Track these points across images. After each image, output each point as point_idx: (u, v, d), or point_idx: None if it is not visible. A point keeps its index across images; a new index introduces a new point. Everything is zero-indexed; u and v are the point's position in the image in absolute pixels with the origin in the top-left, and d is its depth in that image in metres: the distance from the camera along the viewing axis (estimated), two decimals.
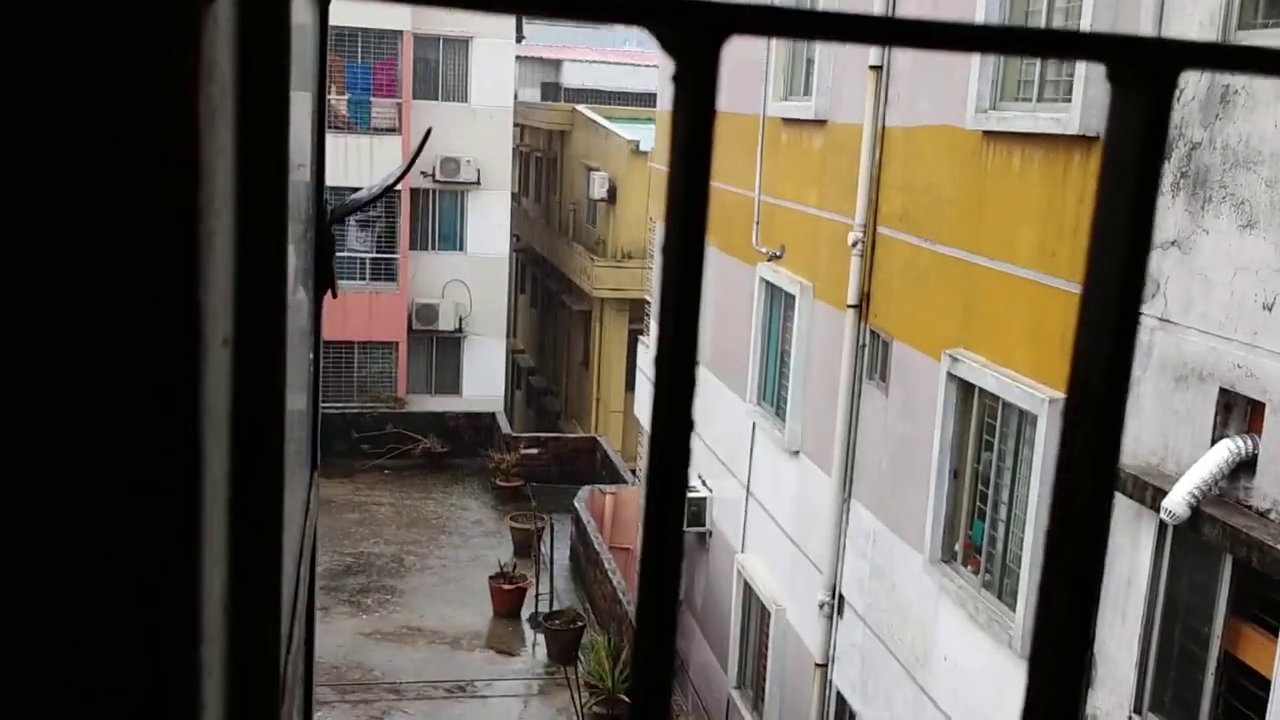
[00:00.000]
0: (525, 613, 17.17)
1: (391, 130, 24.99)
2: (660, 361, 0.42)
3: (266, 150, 0.58)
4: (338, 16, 26.76)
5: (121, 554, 0.46)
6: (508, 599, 17.13)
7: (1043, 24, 7.97)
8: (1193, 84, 6.29)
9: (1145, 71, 0.42)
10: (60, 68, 0.40)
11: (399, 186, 24.79)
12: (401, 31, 24.98)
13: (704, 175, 0.41)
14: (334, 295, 1.58)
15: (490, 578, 17.39)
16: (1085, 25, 7.19)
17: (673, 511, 0.46)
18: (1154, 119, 0.42)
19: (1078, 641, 0.48)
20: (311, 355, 1.50)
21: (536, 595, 17.13)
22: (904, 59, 9.78)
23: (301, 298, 1.32)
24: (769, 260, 12.36)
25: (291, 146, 1.24)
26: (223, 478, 0.53)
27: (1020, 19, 8.26)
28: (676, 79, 0.40)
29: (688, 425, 0.42)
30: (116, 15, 0.40)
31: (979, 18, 8.39)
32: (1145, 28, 6.63)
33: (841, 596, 10.73)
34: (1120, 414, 0.44)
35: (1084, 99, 7.18)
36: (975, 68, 8.45)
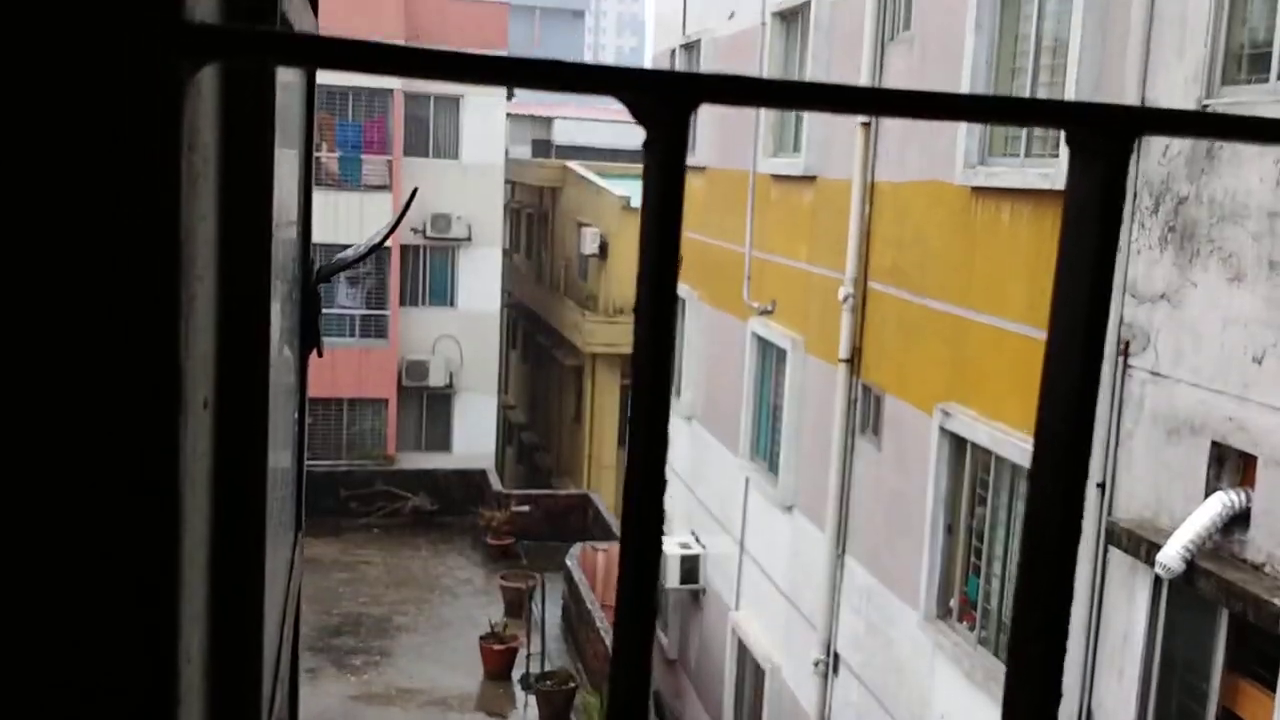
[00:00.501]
0: (516, 674, 16.96)
1: (382, 187, 25.14)
2: (634, 427, 0.42)
3: (250, 215, 0.58)
4: (328, 76, 27.04)
5: (96, 619, 0.46)
6: (499, 660, 16.93)
7: (1029, 79, 8.09)
8: (1177, 139, 6.38)
9: (1102, 137, 0.43)
10: (46, 136, 0.41)
11: (388, 243, 24.89)
12: (392, 90, 25.24)
13: (674, 239, 0.41)
14: (319, 354, 1.58)
15: (481, 638, 17.20)
16: (1070, 80, 7.30)
17: (647, 575, 0.46)
18: (1111, 183, 0.43)
19: (1054, 670, 0.48)
20: (296, 414, 1.50)
21: (528, 655, 16.93)
22: None
23: (287, 356, 1.32)
24: (760, 315, 12.41)
25: (278, 205, 1.26)
26: (203, 540, 0.53)
27: (1007, 75, 8.39)
28: (646, 146, 0.41)
29: (660, 484, 0.42)
30: (100, 87, 0.41)
31: (965, 73, 8.52)
32: (1130, 83, 6.73)
33: (837, 654, 10.64)
34: (1081, 483, 0.44)
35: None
36: (963, 123, 8.56)
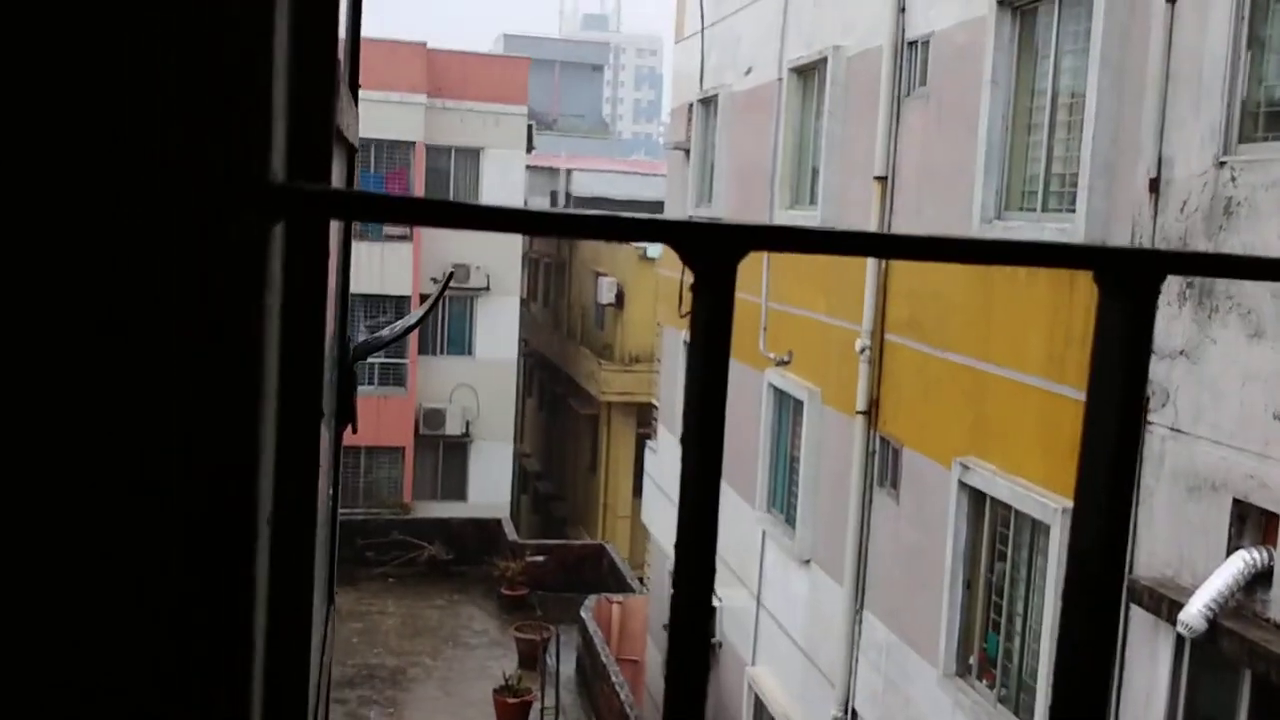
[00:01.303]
0: None
1: (403, 238, 25.36)
2: (680, 553, 0.44)
3: (304, 344, 0.61)
4: None
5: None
6: (513, 713, 16.78)
7: (1045, 134, 8.13)
8: (1195, 194, 6.39)
9: (1128, 279, 0.45)
10: (155, 286, 0.44)
11: (408, 292, 25.07)
12: (414, 142, 25.53)
13: (722, 377, 0.44)
14: (354, 431, 1.61)
15: (494, 690, 17.06)
16: (1087, 136, 7.34)
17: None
18: (1138, 322, 0.45)
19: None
20: (331, 490, 1.52)
21: (542, 709, 16.78)
22: (909, 168, 9.96)
23: (324, 435, 1.35)
24: (777, 366, 12.41)
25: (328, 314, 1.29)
26: (259, 664, 0.55)
27: (1023, 131, 8.44)
28: (695, 290, 0.44)
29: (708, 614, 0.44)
30: (192, 242, 0.44)
31: (981, 130, 8.57)
32: (1147, 140, 6.76)
33: (854, 711, 10.51)
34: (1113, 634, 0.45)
35: (1088, 209, 7.29)
36: (980, 177, 8.60)
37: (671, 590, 0.46)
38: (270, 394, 0.52)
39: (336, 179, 1.25)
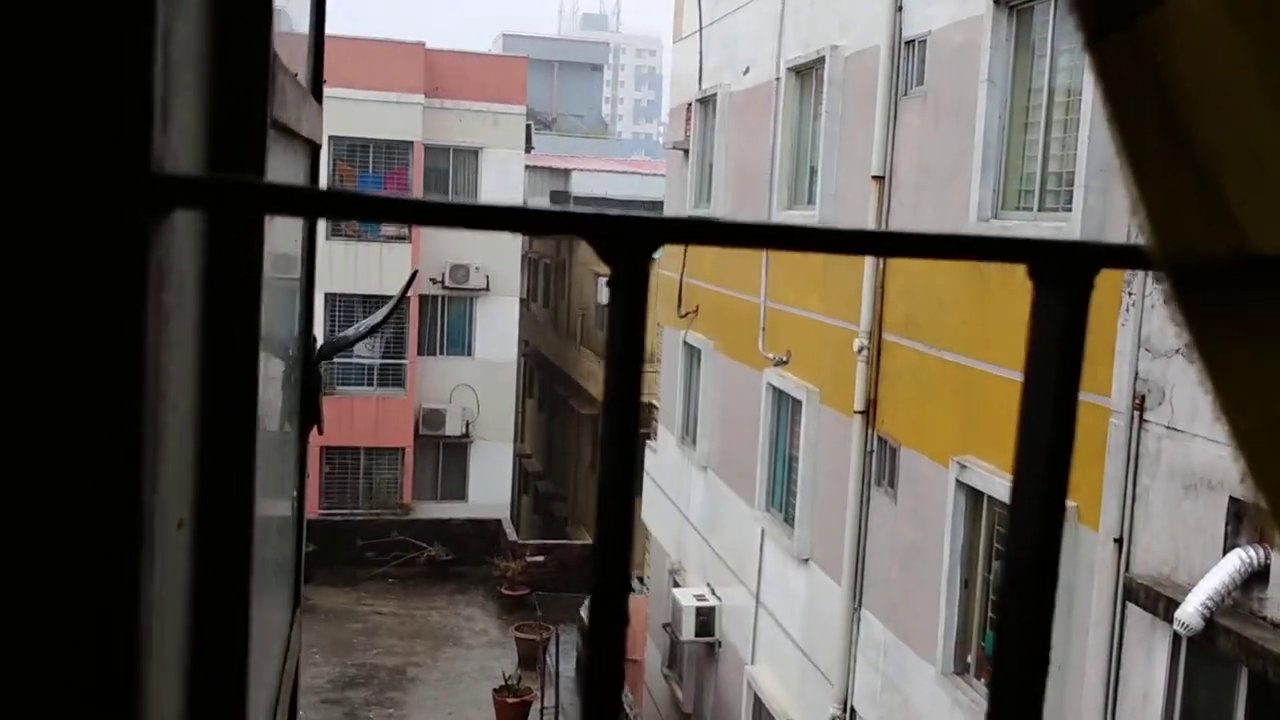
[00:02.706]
0: None
1: (401, 239, 25.33)
2: (598, 557, 0.43)
3: (233, 342, 0.60)
4: (349, 128, 27.00)
5: None
6: (512, 713, 16.78)
7: (1041, 133, 8.11)
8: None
9: (1063, 273, 0.44)
10: (13, 280, 0.42)
11: (408, 294, 25.05)
12: (413, 142, 25.51)
13: (636, 372, 0.42)
14: (320, 432, 1.60)
15: (494, 691, 17.06)
16: (1084, 133, 7.32)
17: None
18: (1072, 315, 0.44)
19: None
20: (296, 493, 1.50)
21: (542, 709, 16.78)
22: (906, 167, 9.95)
23: (288, 435, 1.33)
24: (775, 366, 12.40)
25: (279, 287, 1.28)
26: (177, 660, 0.54)
27: (1019, 130, 8.43)
28: (610, 283, 0.42)
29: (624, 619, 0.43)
30: (66, 236, 0.42)
31: (979, 128, 8.56)
32: None
33: (853, 709, 10.50)
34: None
35: (1084, 207, 7.27)
36: (976, 176, 8.59)
37: (591, 578, 0.44)
38: (175, 393, 0.51)
39: (287, 175, 1.23)
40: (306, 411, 1.46)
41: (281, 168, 1.12)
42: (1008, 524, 0.46)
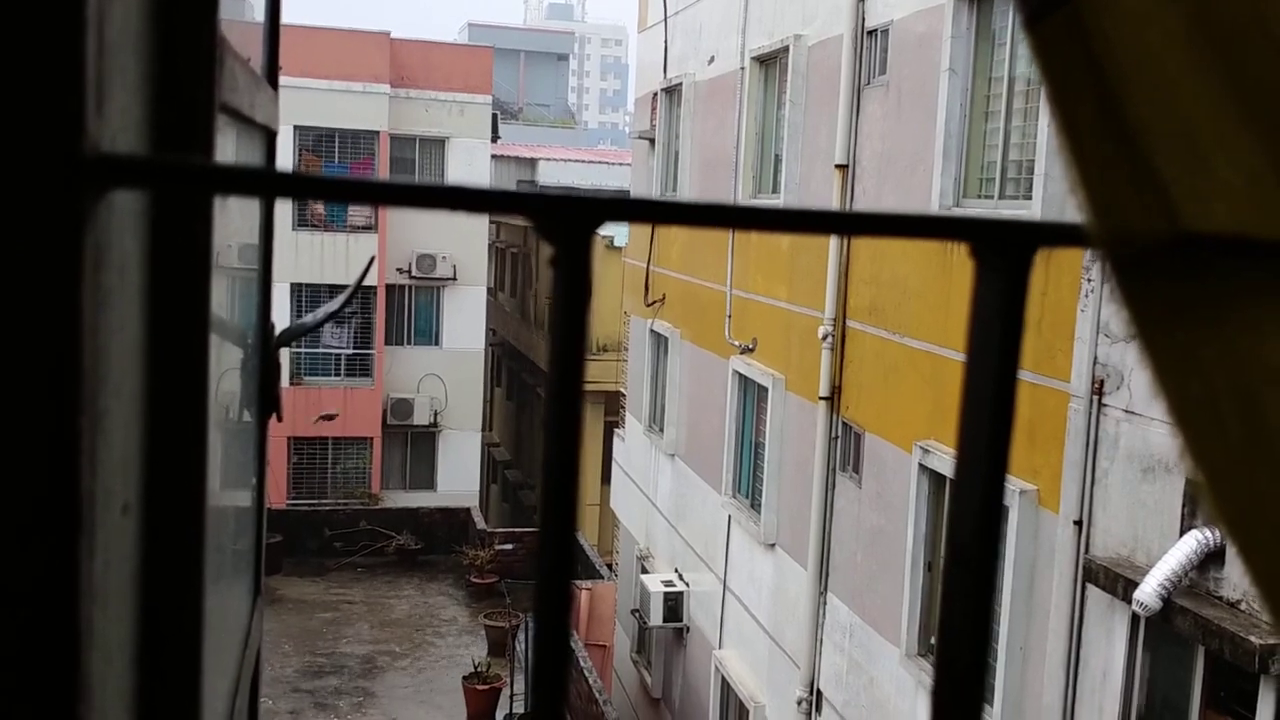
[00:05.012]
0: (500, 713, 16.82)
1: (367, 228, 25.17)
2: (543, 538, 0.43)
3: (179, 326, 0.59)
4: (315, 118, 26.78)
5: None
6: (482, 700, 16.79)
7: (1002, 121, 8.18)
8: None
9: (1003, 251, 0.44)
10: None
11: (374, 283, 24.90)
12: (379, 132, 25.33)
13: (579, 349, 0.42)
14: (279, 419, 1.59)
15: (464, 678, 17.06)
16: (1043, 122, 7.39)
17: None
18: (1013, 294, 0.44)
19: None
20: (255, 480, 1.49)
21: (511, 695, 16.79)
22: (869, 156, 9.99)
23: (247, 424, 1.32)
24: (741, 353, 12.44)
25: (237, 275, 1.27)
26: (123, 647, 0.53)
27: (980, 118, 8.49)
28: (552, 263, 0.42)
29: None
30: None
31: (940, 116, 8.61)
32: None
33: (819, 692, 10.58)
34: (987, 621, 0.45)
35: (1044, 196, 7.34)
36: (938, 164, 8.64)
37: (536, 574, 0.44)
38: (118, 376, 0.50)
39: (241, 160, 1.22)
40: (265, 398, 1.45)
41: (234, 153, 1.11)
42: (952, 500, 0.47)
